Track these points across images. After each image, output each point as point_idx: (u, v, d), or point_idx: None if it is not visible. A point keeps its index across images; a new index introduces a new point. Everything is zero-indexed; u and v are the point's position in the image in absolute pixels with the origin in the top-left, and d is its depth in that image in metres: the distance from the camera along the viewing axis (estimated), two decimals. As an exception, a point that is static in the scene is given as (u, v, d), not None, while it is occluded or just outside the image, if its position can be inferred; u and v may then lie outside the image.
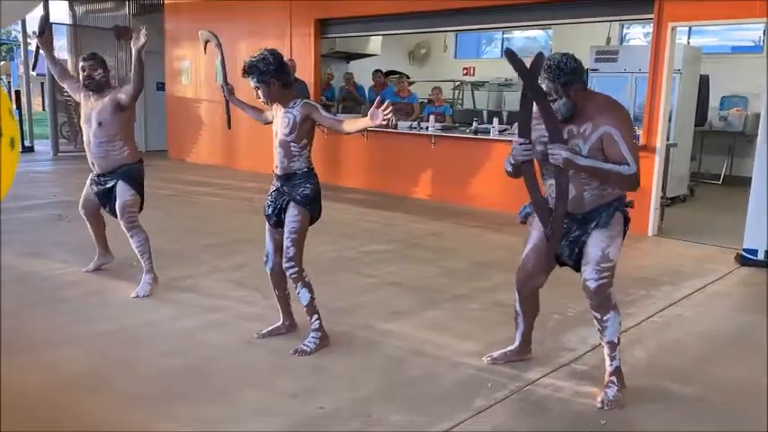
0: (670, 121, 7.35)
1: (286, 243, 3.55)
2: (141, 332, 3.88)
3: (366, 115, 3.25)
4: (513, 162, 3.00)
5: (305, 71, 9.49)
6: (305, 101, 3.56)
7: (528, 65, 2.75)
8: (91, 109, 4.51)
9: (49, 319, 4.04)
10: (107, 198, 4.62)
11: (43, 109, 14.01)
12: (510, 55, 2.69)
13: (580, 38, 10.32)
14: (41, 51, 4.92)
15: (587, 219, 3.04)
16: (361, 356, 3.61)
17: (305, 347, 3.59)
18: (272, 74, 3.43)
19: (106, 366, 3.40)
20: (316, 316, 3.63)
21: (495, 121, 8.62)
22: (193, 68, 11.93)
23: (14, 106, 14.12)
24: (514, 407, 3.09)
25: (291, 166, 3.55)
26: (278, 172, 3.60)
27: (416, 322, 4.17)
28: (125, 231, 4.55)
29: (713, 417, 3.08)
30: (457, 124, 9.50)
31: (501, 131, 8.25)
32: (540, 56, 2.75)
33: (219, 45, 4.21)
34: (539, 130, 2.98)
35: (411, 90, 10.39)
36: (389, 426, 2.87)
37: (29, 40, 13.46)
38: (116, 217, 4.59)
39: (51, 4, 12.61)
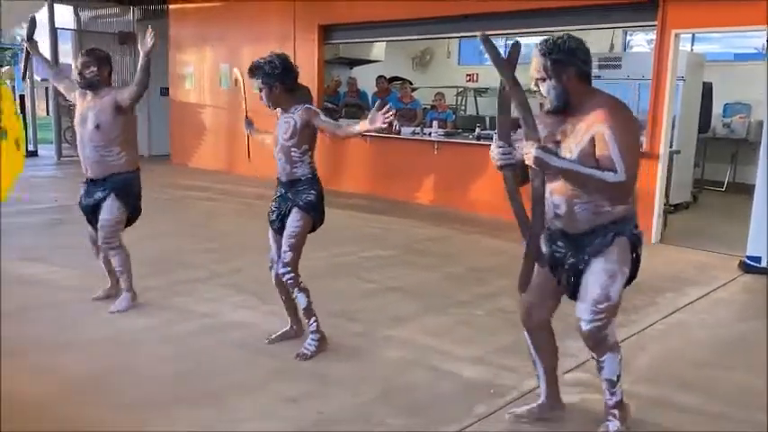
0: (673, 128, 7.33)
1: (284, 247, 3.53)
2: (139, 337, 3.87)
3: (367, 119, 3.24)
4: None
5: (308, 77, 9.49)
6: (306, 106, 3.53)
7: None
8: (87, 109, 4.16)
9: (46, 323, 4.02)
10: (93, 212, 4.23)
11: (47, 114, 14.04)
12: (485, 40, 2.39)
13: (583, 44, 10.31)
14: (33, 55, 4.66)
15: (582, 242, 2.61)
16: (361, 362, 3.59)
17: (305, 351, 3.58)
18: (277, 77, 3.43)
19: (104, 371, 3.38)
20: (314, 318, 3.62)
21: (498, 127, 8.59)
22: (197, 74, 11.95)
23: (19, 110, 14.18)
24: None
25: (295, 173, 3.54)
26: (282, 178, 3.60)
27: (418, 328, 4.14)
28: (104, 249, 4.24)
29: (716, 424, 3.05)
30: (460, 130, 9.49)
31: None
32: (516, 44, 2.50)
33: (243, 84, 4.02)
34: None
35: (414, 96, 10.38)
36: (390, 428, 2.85)
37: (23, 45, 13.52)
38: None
39: (56, 9, 12.67)
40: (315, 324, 3.63)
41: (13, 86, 15.96)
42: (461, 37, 11.69)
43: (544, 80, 2.51)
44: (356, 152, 9.36)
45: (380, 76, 10.54)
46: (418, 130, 8.98)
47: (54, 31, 12.54)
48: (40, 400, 3.05)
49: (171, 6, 12.07)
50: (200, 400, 3.09)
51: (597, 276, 2.57)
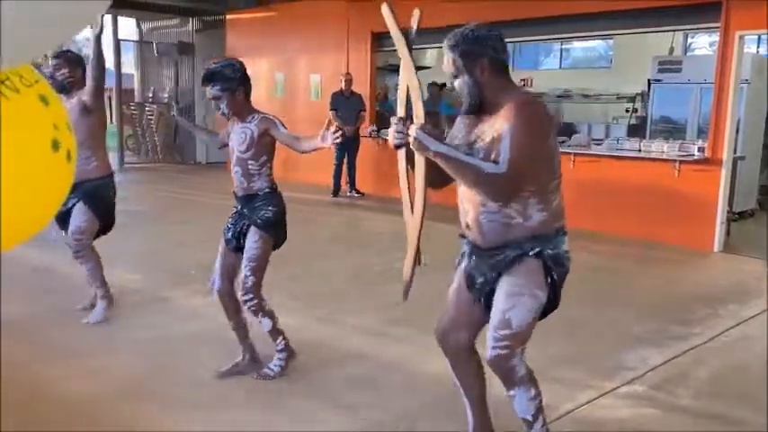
0: (737, 132, 7.06)
1: (244, 272, 3.24)
2: (185, 340, 3.92)
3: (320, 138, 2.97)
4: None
5: (361, 84, 9.56)
6: (263, 115, 3.27)
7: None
8: None
9: (94, 326, 4.11)
10: (65, 220, 4.01)
11: (111, 122, 14.54)
12: (387, 7, 2.27)
13: (642, 48, 10.07)
14: None
15: (493, 259, 2.32)
16: (408, 370, 3.56)
17: (269, 371, 3.37)
18: (239, 81, 3.19)
19: (149, 373, 3.43)
20: (281, 338, 3.39)
21: (553, 132, 8.45)
22: (253, 82, 12.14)
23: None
24: (568, 428, 2.98)
25: (252, 187, 3.27)
26: (238, 193, 3.33)
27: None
28: (74, 257, 4.13)
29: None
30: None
31: (559, 143, 8.07)
32: (409, 31, 2.32)
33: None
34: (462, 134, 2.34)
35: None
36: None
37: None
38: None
39: (119, 21, 13.15)
40: (283, 343, 3.39)
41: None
42: (515, 42, 11.57)
43: (457, 77, 2.28)
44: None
45: (432, 83, 10.52)
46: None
47: (117, 43, 13.01)
48: (84, 402, 3.13)
49: (228, 17, 12.35)
50: (248, 404, 3.12)
51: (499, 299, 2.29)
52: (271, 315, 3.34)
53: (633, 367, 3.64)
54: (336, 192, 9.34)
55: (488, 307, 2.35)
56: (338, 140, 2.88)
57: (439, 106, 10.07)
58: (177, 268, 5.32)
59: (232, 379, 3.37)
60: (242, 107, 3.24)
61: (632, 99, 10.81)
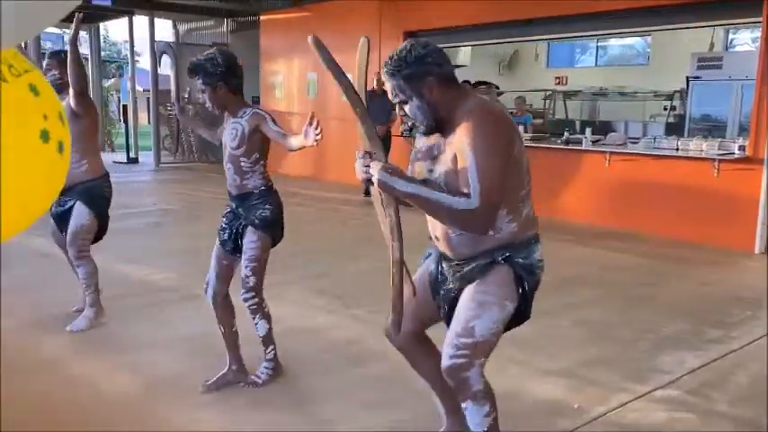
0: (780, 130, 6.86)
1: (245, 272, 3.17)
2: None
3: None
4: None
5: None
6: (254, 110, 3.14)
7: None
8: None
9: (139, 322, 4.19)
10: (64, 221, 3.99)
11: (148, 122, 14.80)
12: (316, 42, 2.08)
13: (681, 44, 9.88)
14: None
15: (461, 268, 2.24)
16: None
17: (256, 378, 3.28)
18: (220, 76, 3.04)
19: (191, 370, 3.47)
20: (272, 346, 3.31)
21: (588, 131, 8.34)
22: (286, 83, 12.27)
23: (122, 120, 15.05)
24: (601, 431, 2.93)
25: (246, 185, 3.15)
26: (232, 192, 3.21)
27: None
28: (71, 260, 4.03)
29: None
30: (548, 134, 9.28)
31: (594, 142, 7.97)
32: (364, 40, 2.18)
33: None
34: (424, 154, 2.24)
35: (499, 100, 10.24)
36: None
37: (136, 58, 14.31)
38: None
39: (156, 23, 13.37)
40: (272, 352, 3.31)
41: (119, 98, 16.97)
42: (550, 39, 11.46)
43: (406, 102, 2.15)
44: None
45: (465, 81, 10.42)
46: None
47: (153, 45, 13.24)
48: (126, 397, 3.19)
49: (262, 17, 12.46)
50: (278, 403, 3.13)
51: (464, 306, 2.17)
52: (268, 319, 3.27)
53: (669, 370, 3.56)
54: (368, 191, 9.35)
55: (450, 312, 2.26)
56: (319, 138, 2.78)
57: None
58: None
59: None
60: (227, 102, 3.12)
61: (670, 97, 10.60)
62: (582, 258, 6.13)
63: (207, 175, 12.23)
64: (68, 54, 3.66)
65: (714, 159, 6.63)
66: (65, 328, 3.98)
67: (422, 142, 2.26)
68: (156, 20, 13.58)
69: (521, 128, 8.70)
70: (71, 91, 3.71)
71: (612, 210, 7.51)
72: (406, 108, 2.17)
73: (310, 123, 2.79)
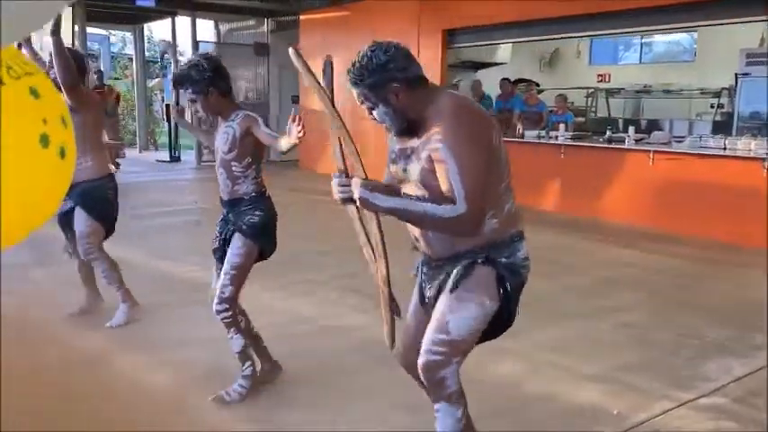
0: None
1: (223, 280, 3.02)
2: (262, 335, 3.98)
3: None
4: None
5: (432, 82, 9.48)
6: (246, 113, 3.01)
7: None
8: None
9: (175, 320, 4.23)
10: (67, 222, 3.95)
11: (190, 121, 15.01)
12: (295, 55, 2.14)
13: (729, 40, 9.55)
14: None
15: (443, 270, 2.18)
16: (472, 374, 3.47)
17: (225, 396, 3.09)
18: (208, 82, 2.94)
19: (229, 367, 3.48)
20: (249, 363, 3.14)
21: (632, 129, 8.15)
22: (325, 82, 12.31)
23: (165, 119, 15.32)
24: (641, 439, 2.85)
25: (237, 191, 3.04)
26: (223, 197, 3.11)
27: (534, 341, 3.96)
28: (86, 262, 4.04)
29: None
30: (590, 133, 9.11)
31: (637, 141, 7.79)
32: (328, 59, 2.11)
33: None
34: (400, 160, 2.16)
35: (540, 98, 10.08)
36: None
37: (179, 58, 14.55)
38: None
39: (198, 23, 13.58)
40: (250, 369, 3.13)
41: (163, 97, 17.27)
42: (593, 36, 11.23)
43: (374, 109, 2.10)
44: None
45: (504, 79, 10.32)
46: (543, 133, 8.70)
47: (196, 45, 13.44)
48: (165, 394, 3.23)
49: (302, 17, 12.53)
50: (311, 402, 3.13)
51: (442, 302, 2.13)
52: (244, 334, 3.11)
53: (713, 378, 3.44)
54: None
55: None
56: (301, 134, 2.68)
57: (512, 103, 9.88)
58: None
59: (297, 378, 3.38)
60: (221, 106, 3.02)
61: (717, 94, 10.29)
62: (623, 260, 5.99)
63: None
64: (53, 47, 3.51)
65: (763, 159, 6.41)
66: (105, 324, 4.03)
67: (396, 144, 2.20)
68: (199, 20, 13.78)
69: (561, 127, 8.55)
70: (62, 86, 3.56)
71: (655, 210, 7.32)
72: (375, 113, 2.11)
73: (293, 121, 2.70)
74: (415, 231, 2.21)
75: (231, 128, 2.99)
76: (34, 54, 4.10)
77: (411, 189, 2.09)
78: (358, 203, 2.06)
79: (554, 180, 8.50)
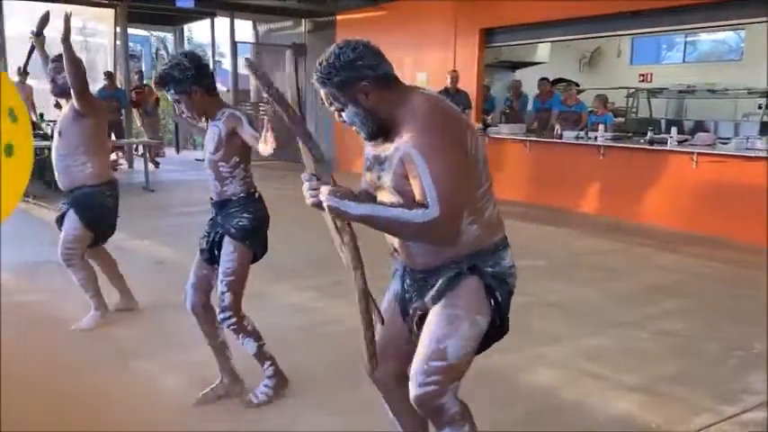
0: None
1: (220, 288, 2.95)
2: (288, 335, 3.90)
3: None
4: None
5: (468, 82, 9.39)
6: (231, 111, 2.90)
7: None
8: (59, 116, 3.91)
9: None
10: (61, 224, 3.92)
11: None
12: (250, 65, 2.08)
13: (778, 38, 9.23)
14: (37, 51, 4.15)
15: (427, 282, 2.05)
16: (508, 379, 3.40)
17: (253, 398, 3.08)
18: (192, 80, 2.83)
19: (250, 369, 3.46)
20: (269, 362, 3.09)
21: (674, 130, 7.92)
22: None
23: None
24: (682, 454, 2.73)
25: (225, 192, 2.95)
26: (213, 198, 3.02)
27: (573, 348, 3.86)
28: (63, 263, 3.98)
29: None
30: (630, 134, 8.89)
31: (680, 142, 7.56)
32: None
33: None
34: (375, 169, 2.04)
35: (579, 98, 9.90)
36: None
37: (219, 59, 14.70)
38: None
39: (236, 24, 13.70)
40: (271, 368, 3.09)
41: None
42: (634, 34, 10.98)
43: (342, 110, 1.98)
44: (515, 158, 9.09)
45: (543, 79, 10.16)
46: (582, 134, 8.52)
47: (234, 45, 13.56)
48: (174, 394, 3.19)
49: (339, 17, 12.54)
50: (338, 405, 3.09)
51: (433, 324, 1.99)
52: (254, 335, 3.05)
53: (759, 390, 3.29)
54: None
55: (420, 333, 2.06)
56: (275, 147, 2.56)
57: (550, 103, 9.72)
58: (280, 263, 5.39)
59: (323, 383, 3.33)
60: (206, 105, 2.91)
61: (765, 94, 9.95)
62: (665, 265, 5.81)
63: (283, 173, 12.40)
64: (63, 53, 3.55)
65: (815, 161, 6.16)
66: (72, 326, 3.97)
67: (369, 150, 2.07)
68: (237, 21, 13.90)
69: (600, 127, 8.36)
70: (72, 92, 3.63)
71: (699, 214, 7.10)
72: (344, 115, 1.99)
73: (267, 130, 2.60)
74: (394, 242, 2.10)
75: (217, 127, 2.89)
76: (45, 57, 4.05)
77: (386, 196, 1.98)
78: (328, 211, 1.93)
79: (593, 182, 8.32)
